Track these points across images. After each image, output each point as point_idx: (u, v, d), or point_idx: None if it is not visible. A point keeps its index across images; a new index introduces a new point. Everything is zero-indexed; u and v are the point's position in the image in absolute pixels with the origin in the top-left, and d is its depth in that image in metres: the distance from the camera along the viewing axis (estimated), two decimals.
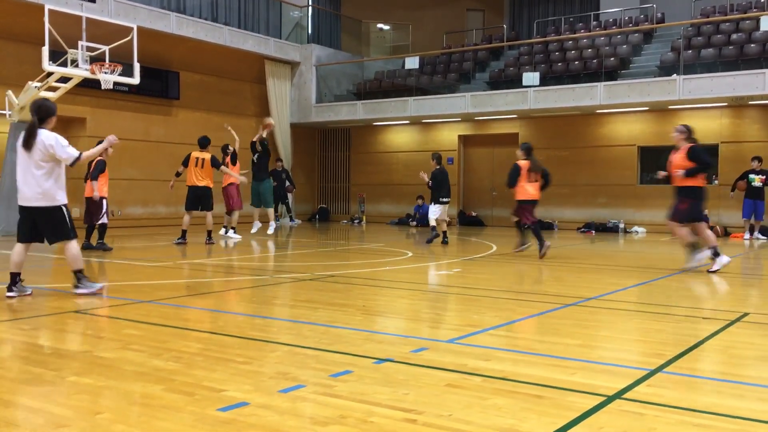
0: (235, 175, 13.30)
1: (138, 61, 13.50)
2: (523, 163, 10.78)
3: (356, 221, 21.10)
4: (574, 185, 18.11)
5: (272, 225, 14.41)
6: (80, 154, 6.11)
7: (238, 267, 9.25)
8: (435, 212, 12.79)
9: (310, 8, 21.91)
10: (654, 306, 6.29)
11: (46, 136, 6.03)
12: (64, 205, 6.14)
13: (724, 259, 8.66)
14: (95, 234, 11.20)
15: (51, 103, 6.29)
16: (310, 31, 21.91)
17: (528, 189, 10.74)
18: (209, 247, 11.88)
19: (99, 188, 10.81)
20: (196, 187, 12.31)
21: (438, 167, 12.82)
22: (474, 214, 19.98)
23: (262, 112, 20.36)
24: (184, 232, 12.41)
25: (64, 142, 6.09)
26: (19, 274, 6.16)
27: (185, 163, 12.47)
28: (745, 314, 5.76)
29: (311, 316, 5.56)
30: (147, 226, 17.27)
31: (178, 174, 12.66)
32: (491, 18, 25.42)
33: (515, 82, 18.20)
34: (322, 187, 22.76)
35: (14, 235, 6.54)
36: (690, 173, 8.63)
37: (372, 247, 12.93)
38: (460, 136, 20.16)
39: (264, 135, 13.91)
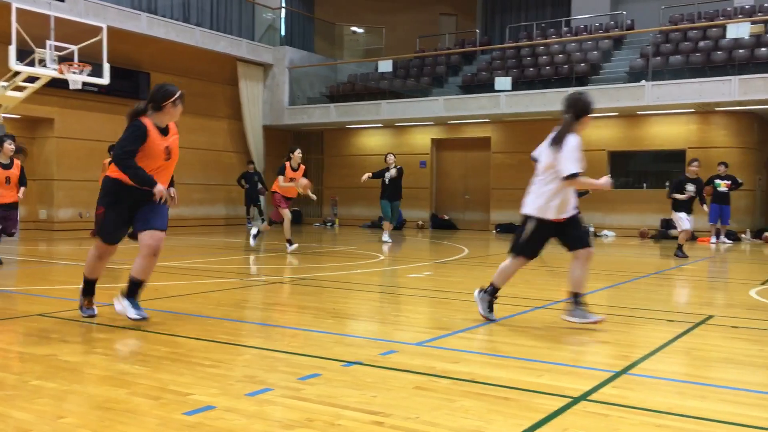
0: None
1: (108, 62, 13.34)
2: None
3: (329, 224, 21.06)
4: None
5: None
6: None
7: (208, 270, 9.17)
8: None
9: (283, 10, 21.85)
10: (621, 309, 6.38)
11: None
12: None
13: None
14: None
15: None
16: (283, 33, 21.84)
17: None
18: (173, 250, 11.77)
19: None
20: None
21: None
22: (446, 217, 20.06)
23: (234, 113, 20.24)
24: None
25: None
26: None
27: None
28: (710, 317, 5.86)
29: (281, 320, 5.53)
30: None
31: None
32: (464, 23, 25.57)
33: (488, 87, 18.33)
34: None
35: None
36: None
37: (344, 250, 12.92)
38: (433, 140, 20.24)
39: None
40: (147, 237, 4.98)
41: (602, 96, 16.44)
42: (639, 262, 11.56)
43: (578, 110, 5.17)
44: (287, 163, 11.70)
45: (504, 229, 18.18)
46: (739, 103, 15.33)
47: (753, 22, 16.48)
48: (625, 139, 17.43)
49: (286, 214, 11.59)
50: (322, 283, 7.80)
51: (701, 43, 17.28)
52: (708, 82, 15.31)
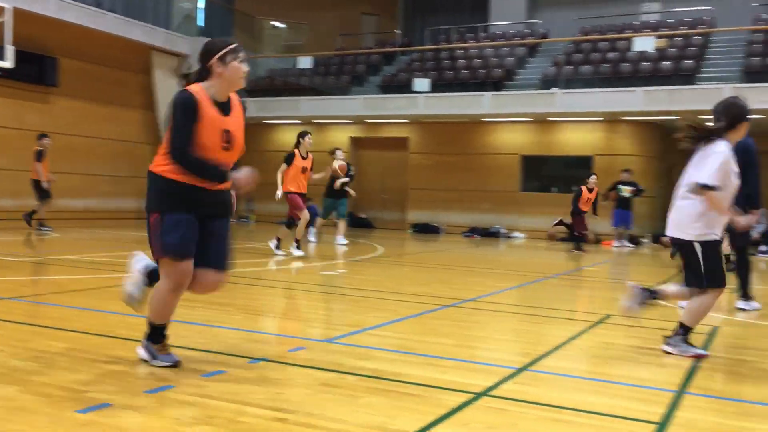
0: None
1: (12, 44, 12.67)
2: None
3: (244, 220, 20.74)
4: (461, 191, 18.60)
5: None
6: None
7: (114, 264, 8.86)
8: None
9: (202, 0, 21.34)
10: (527, 308, 6.58)
11: None
12: None
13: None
14: None
15: None
16: (202, 24, 21.33)
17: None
18: (78, 242, 11.32)
19: None
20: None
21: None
22: (363, 216, 20.12)
23: (147, 104, 19.62)
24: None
25: None
26: None
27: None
28: (608, 316, 6.12)
29: (189, 316, 5.41)
30: (17, 219, 16.24)
31: None
32: (385, 23, 25.73)
33: (407, 88, 18.51)
34: None
35: None
36: None
37: (259, 246, 12.76)
38: (351, 138, 20.26)
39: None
40: (204, 276, 3.69)
41: (516, 101, 16.91)
42: (547, 263, 11.95)
43: (732, 117, 4.61)
44: (296, 151, 10.40)
45: (420, 229, 18.40)
46: (643, 114, 16.09)
47: (658, 37, 17.33)
48: (537, 144, 17.98)
49: (305, 215, 10.28)
50: (233, 279, 7.67)
51: (610, 55, 18.02)
52: (615, 93, 15.99)
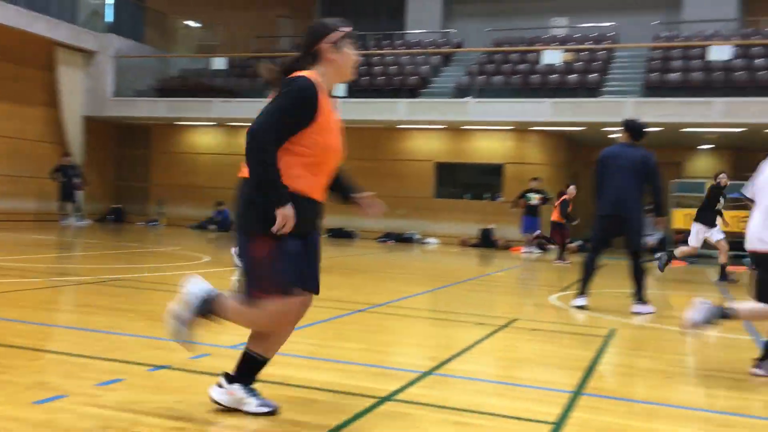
0: None
1: None
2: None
3: (153, 223, 20.13)
4: (376, 196, 18.65)
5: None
6: None
7: (10, 268, 8.40)
8: None
9: None
10: (437, 312, 6.67)
11: None
12: None
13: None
14: None
15: None
16: (111, 20, 20.59)
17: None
18: None
19: None
20: None
21: None
22: None
23: (50, 101, 18.76)
24: None
25: None
26: None
27: None
28: (515, 320, 6.29)
29: (88, 322, 5.18)
30: None
31: None
32: (302, 27, 25.56)
33: None
34: (118, 186, 21.43)
35: None
36: None
37: (167, 250, 12.41)
38: None
39: None
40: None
41: (431, 109, 17.17)
42: (458, 268, 12.17)
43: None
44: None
45: (334, 234, 18.38)
46: (551, 124, 16.66)
47: (565, 50, 18.00)
48: (450, 151, 18.30)
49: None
50: (139, 284, 7.42)
51: (520, 66, 18.58)
52: (525, 103, 16.48)
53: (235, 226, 3.01)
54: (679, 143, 18.15)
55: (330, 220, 18.77)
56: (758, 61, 16.46)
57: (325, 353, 4.49)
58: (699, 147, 18.82)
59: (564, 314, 6.94)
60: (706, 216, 10.28)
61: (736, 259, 15.67)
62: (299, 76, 2.90)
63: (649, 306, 6.97)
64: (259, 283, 2.93)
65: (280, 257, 2.88)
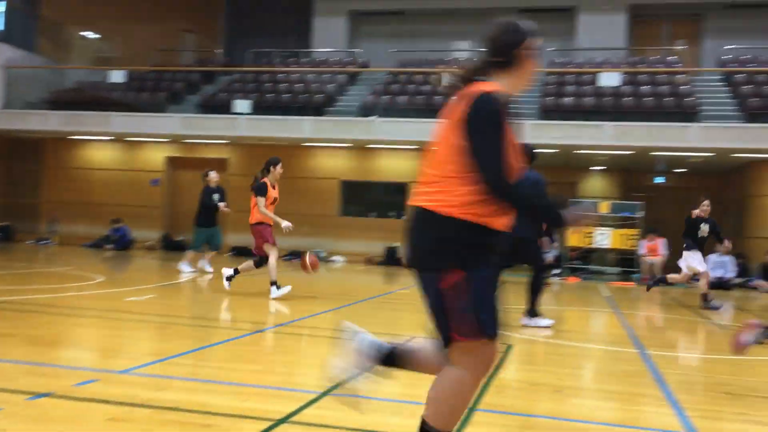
0: None
1: None
2: None
3: (45, 242, 19.11)
4: (282, 214, 18.33)
5: None
6: None
7: None
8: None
9: (2, 4, 19.59)
10: (338, 331, 6.63)
11: None
12: None
13: None
14: None
15: None
16: (0, 28, 19.56)
17: None
18: None
19: None
20: None
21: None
22: (180, 238, 19.35)
23: None
24: None
25: None
26: None
27: None
28: (415, 338, 6.32)
29: None
30: None
31: None
32: (205, 42, 25.17)
33: (227, 108, 18.18)
34: (6, 202, 20.24)
35: None
36: None
37: (59, 270, 11.81)
38: (167, 158, 19.48)
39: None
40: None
41: (336, 127, 17.24)
42: (363, 286, 12.20)
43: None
44: (266, 180, 9.10)
45: (238, 252, 18.02)
46: None
47: None
48: (356, 169, 18.40)
49: (275, 251, 9.13)
50: (24, 306, 7.01)
51: (424, 87, 18.96)
52: (428, 123, 16.79)
53: (414, 263, 2.68)
54: (573, 165, 18.97)
55: (235, 238, 18.47)
56: (644, 88, 17.48)
57: (222, 376, 4.38)
58: (592, 168, 19.74)
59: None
60: (688, 244, 10.42)
61: (624, 275, 16.54)
62: (489, 96, 2.57)
63: (540, 319, 7.21)
64: (460, 323, 2.56)
65: (477, 295, 2.55)
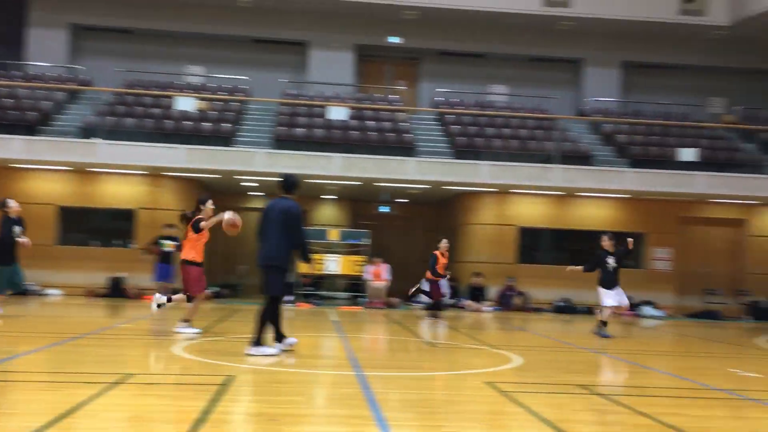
0: None
1: None
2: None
3: None
4: None
5: None
6: None
7: None
8: None
9: None
10: (46, 374, 6.04)
11: None
12: None
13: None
14: None
15: None
16: None
17: None
18: None
19: None
20: None
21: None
22: None
23: None
24: None
25: None
26: None
27: None
28: (131, 375, 5.99)
29: None
30: None
31: None
32: None
33: None
34: None
35: None
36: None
37: None
38: None
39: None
40: None
41: (54, 149, 15.84)
42: (81, 321, 11.27)
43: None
44: (200, 217, 9.17)
45: None
46: (186, 170, 16.61)
47: (200, 98, 18.23)
48: (76, 194, 17.01)
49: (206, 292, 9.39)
50: None
51: (154, 110, 18.25)
52: (158, 148, 16.18)
53: None
54: (306, 193, 19.59)
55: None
56: (369, 123, 18.70)
57: None
58: (323, 197, 20.53)
59: (188, 364, 6.87)
60: (601, 280, 10.88)
61: (352, 300, 17.40)
62: None
63: (266, 348, 7.28)
64: None
65: None
